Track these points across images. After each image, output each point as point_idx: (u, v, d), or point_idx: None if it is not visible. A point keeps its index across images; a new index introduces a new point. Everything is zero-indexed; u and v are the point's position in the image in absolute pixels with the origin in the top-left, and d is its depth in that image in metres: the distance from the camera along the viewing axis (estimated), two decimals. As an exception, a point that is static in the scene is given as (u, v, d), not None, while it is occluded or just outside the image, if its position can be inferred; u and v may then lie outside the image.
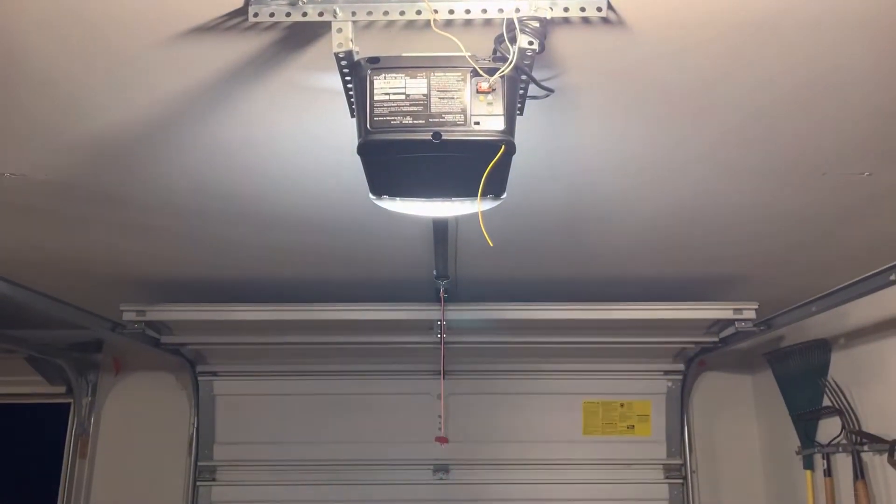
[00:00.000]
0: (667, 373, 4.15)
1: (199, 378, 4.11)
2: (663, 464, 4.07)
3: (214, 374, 4.13)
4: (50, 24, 1.42)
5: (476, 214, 1.52)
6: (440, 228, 2.44)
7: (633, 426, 4.11)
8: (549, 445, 4.07)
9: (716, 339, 3.76)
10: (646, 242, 2.88)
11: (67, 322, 3.17)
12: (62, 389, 4.21)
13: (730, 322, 3.56)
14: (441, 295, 3.52)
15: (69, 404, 4.24)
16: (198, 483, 4.09)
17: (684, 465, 4.12)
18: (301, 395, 4.18)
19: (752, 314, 3.45)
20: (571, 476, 4.03)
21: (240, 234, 2.66)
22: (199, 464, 4.10)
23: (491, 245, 2.01)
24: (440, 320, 3.61)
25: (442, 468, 4.04)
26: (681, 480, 4.04)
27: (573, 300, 3.51)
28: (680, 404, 4.17)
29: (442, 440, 4.01)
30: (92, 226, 2.58)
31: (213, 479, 4.11)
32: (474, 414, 4.10)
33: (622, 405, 4.12)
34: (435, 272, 3.41)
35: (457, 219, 2.46)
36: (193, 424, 4.17)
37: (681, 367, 4.15)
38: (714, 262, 3.16)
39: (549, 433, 4.09)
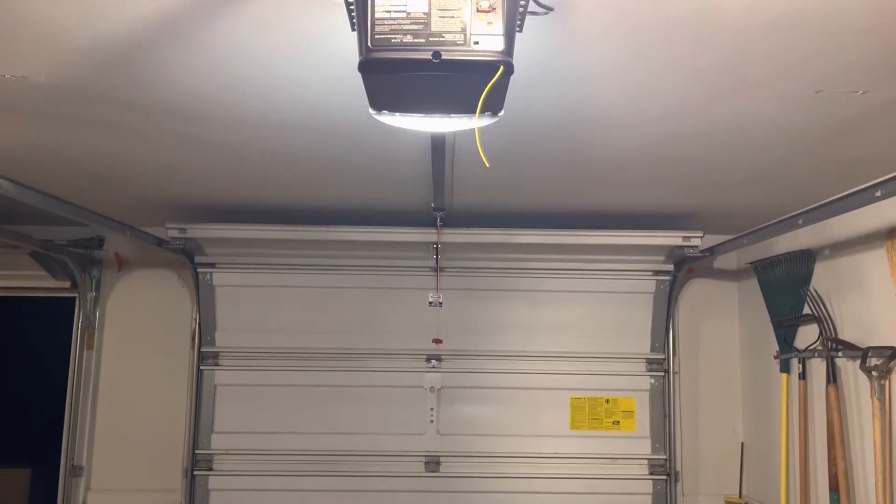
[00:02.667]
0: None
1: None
2: (648, 459, 4.24)
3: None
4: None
5: (471, 154, 1.55)
6: (438, 161, 2.50)
7: (619, 422, 4.28)
8: (537, 440, 4.26)
9: (670, 267, 4.22)
10: (638, 165, 2.92)
11: (68, 219, 3.24)
12: (67, 284, 4.33)
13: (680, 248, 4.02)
14: (437, 223, 3.88)
15: (74, 298, 4.36)
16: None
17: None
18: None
19: (698, 241, 3.99)
20: (559, 470, 4.22)
21: (240, 139, 2.69)
22: (202, 349, 4.27)
23: (488, 166, 2.05)
24: (436, 243, 4.01)
25: (433, 460, 4.23)
26: (664, 477, 4.23)
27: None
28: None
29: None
30: (91, 128, 2.60)
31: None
32: (467, 409, 4.29)
33: (608, 401, 4.29)
34: (433, 204, 3.63)
35: (454, 152, 2.52)
36: (196, 319, 4.31)
37: (667, 274, 4.28)
38: (701, 185, 3.22)
39: (538, 428, 4.27)
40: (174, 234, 3.92)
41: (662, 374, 4.29)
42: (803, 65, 1.97)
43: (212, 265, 4.24)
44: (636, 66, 2.00)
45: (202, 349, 4.24)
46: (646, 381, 4.29)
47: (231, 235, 4.03)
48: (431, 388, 4.26)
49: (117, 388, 4.38)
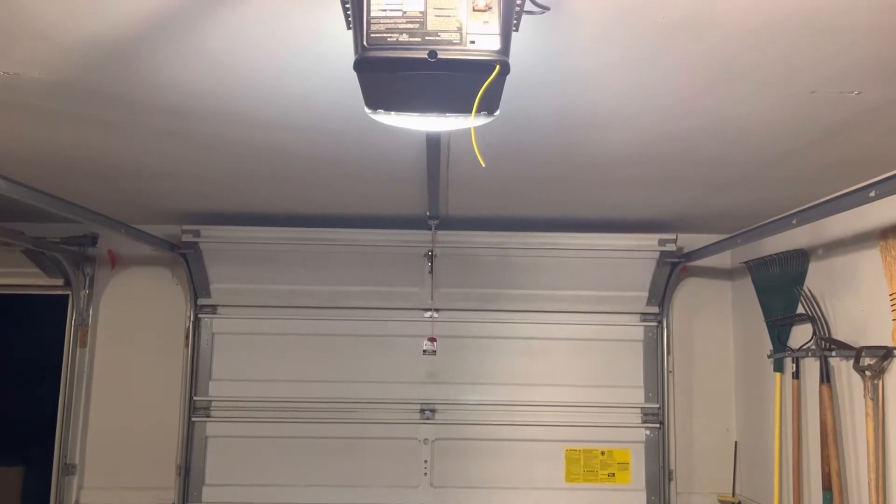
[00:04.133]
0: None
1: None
2: None
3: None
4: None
5: (466, 153, 1.54)
6: (433, 161, 2.50)
7: (614, 474, 4.30)
8: (532, 492, 4.28)
9: (656, 309, 4.37)
10: (633, 163, 2.92)
11: (62, 216, 3.23)
12: (60, 282, 4.31)
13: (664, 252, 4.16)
14: (432, 229, 4.00)
15: (68, 296, 4.34)
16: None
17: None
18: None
19: (673, 246, 4.14)
20: None
21: (233, 136, 2.68)
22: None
23: (483, 165, 2.05)
24: (431, 251, 4.13)
25: None
26: None
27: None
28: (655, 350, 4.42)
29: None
30: (84, 124, 2.58)
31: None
32: (462, 461, 4.31)
33: (603, 453, 4.31)
34: (428, 212, 3.71)
35: (448, 151, 2.52)
36: (190, 318, 4.31)
37: (654, 319, 4.37)
38: (696, 183, 3.22)
39: (533, 480, 4.29)
40: (188, 238, 4.09)
41: (657, 425, 4.31)
42: (799, 65, 1.97)
43: (213, 309, 4.29)
44: (632, 65, 1.99)
45: (195, 398, 4.27)
46: (641, 433, 4.32)
47: (235, 235, 4.13)
48: (425, 440, 4.28)
49: (110, 386, 4.37)
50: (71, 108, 2.41)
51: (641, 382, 4.34)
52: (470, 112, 1.50)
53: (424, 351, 4.18)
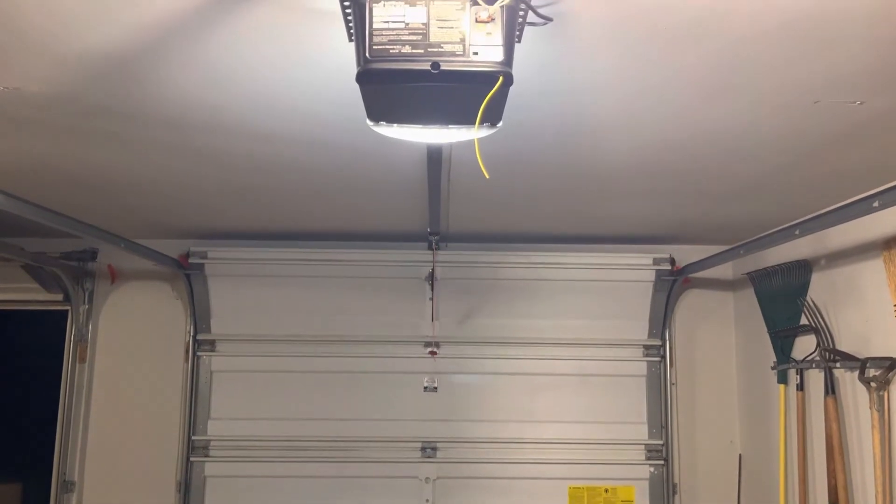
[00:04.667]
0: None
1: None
2: None
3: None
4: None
5: (467, 165, 1.54)
6: (434, 173, 2.51)
7: None
8: None
9: (658, 342, 4.35)
10: (635, 174, 2.92)
11: (61, 231, 3.22)
12: (59, 297, 4.29)
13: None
14: (433, 246, 4.06)
15: (67, 311, 4.32)
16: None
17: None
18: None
19: (667, 265, 4.21)
20: None
21: (235, 149, 2.67)
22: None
23: (487, 177, 2.04)
24: (432, 272, 4.14)
25: None
26: None
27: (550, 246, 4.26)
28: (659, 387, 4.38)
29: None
30: (84, 138, 2.57)
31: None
32: (464, 500, 4.26)
33: (606, 490, 4.27)
34: (429, 228, 3.74)
35: (450, 163, 2.52)
36: (190, 332, 4.29)
37: (657, 354, 4.36)
38: (698, 194, 3.21)
39: None
40: (196, 260, 4.18)
41: (662, 462, 4.28)
42: (802, 75, 1.97)
43: (212, 346, 4.27)
44: (633, 75, 1.99)
45: (193, 437, 4.24)
46: (645, 470, 4.29)
47: (241, 256, 4.22)
48: (427, 479, 4.23)
49: (110, 402, 4.33)
50: (71, 121, 2.40)
51: (645, 419, 4.30)
52: (473, 123, 1.49)
53: (425, 388, 4.17)
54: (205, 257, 4.18)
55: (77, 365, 4.29)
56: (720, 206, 3.43)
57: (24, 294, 4.28)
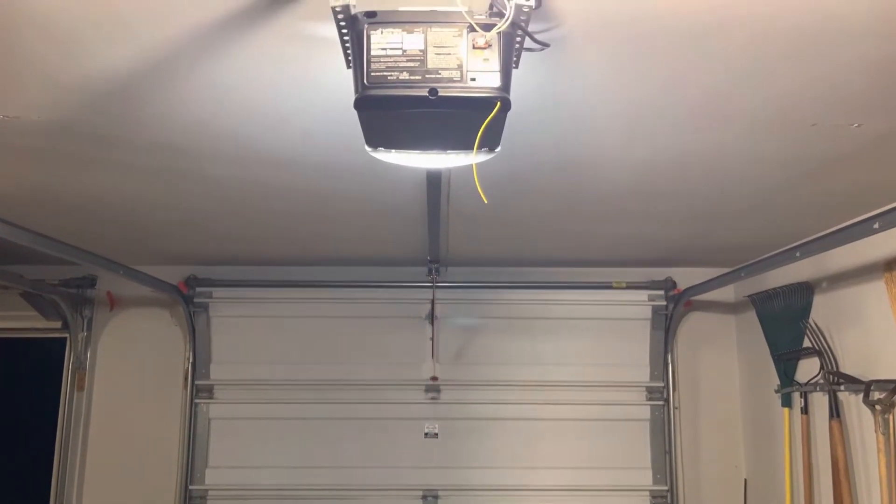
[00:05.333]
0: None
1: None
2: None
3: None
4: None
5: (466, 188, 1.53)
6: (433, 197, 2.54)
7: None
8: None
9: (661, 383, 4.34)
10: (633, 197, 2.92)
11: (60, 259, 3.22)
12: (58, 324, 4.28)
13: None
14: (434, 278, 4.10)
15: (65, 339, 4.30)
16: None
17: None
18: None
19: (662, 300, 4.29)
20: None
21: (234, 174, 2.67)
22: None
23: (486, 201, 2.04)
24: (432, 304, 4.14)
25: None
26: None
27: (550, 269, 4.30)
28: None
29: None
30: (84, 166, 2.57)
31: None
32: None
33: None
34: (428, 256, 3.78)
35: (449, 186, 2.53)
36: (189, 359, 4.27)
37: (660, 397, 4.32)
38: (697, 217, 3.21)
39: None
40: (201, 300, 4.26)
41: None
42: (798, 98, 1.97)
43: (209, 393, 4.25)
44: (632, 97, 1.99)
45: (190, 486, 4.19)
46: None
47: (244, 295, 4.29)
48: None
49: (108, 430, 4.30)
50: (70, 148, 2.40)
51: (649, 463, 4.26)
52: (471, 149, 1.49)
53: (426, 433, 4.14)
54: (210, 297, 4.23)
55: (75, 393, 4.26)
56: (720, 228, 3.42)
57: (22, 322, 4.26)
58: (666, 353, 4.33)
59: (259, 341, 4.29)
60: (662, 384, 4.31)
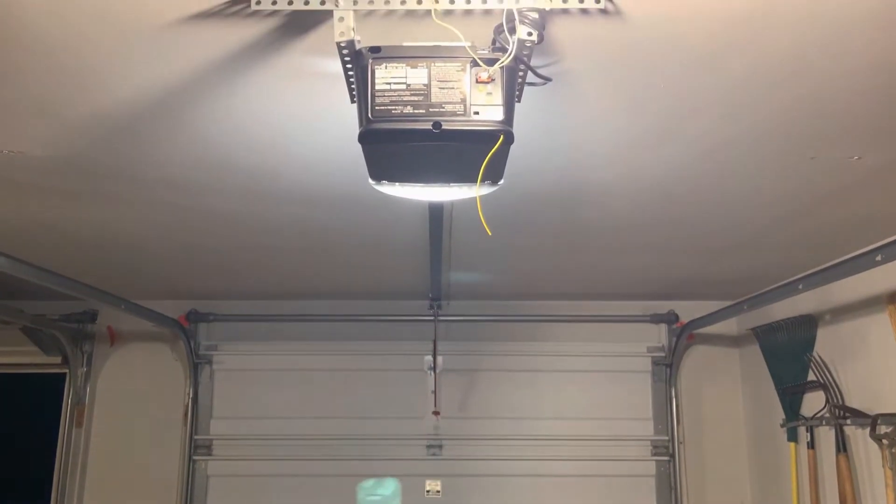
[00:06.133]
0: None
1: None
2: None
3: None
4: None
5: (469, 221, 1.54)
6: (435, 230, 2.58)
7: None
8: None
9: (665, 438, 4.30)
10: (634, 229, 2.92)
11: (61, 293, 3.21)
12: (58, 359, 4.26)
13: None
14: (435, 312, 4.12)
15: (65, 374, 4.27)
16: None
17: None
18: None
19: (661, 353, 4.33)
20: None
21: (239, 209, 2.68)
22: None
23: (490, 234, 2.05)
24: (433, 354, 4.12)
25: None
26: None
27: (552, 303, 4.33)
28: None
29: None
30: (88, 201, 2.59)
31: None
32: None
33: None
34: (430, 294, 3.83)
35: (451, 219, 2.55)
36: (189, 394, 4.24)
37: (665, 453, 4.26)
38: (698, 249, 3.21)
39: None
40: (206, 352, 4.30)
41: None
42: (797, 131, 1.98)
43: (208, 449, 4.22)
44: (633, 130, 2.01)
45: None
46: None
47: (249, 349, 4.32)
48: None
49: (106, 467, 4.25)
50: (74, 184, 2.42)
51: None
52: (474, 182, 1.50)
53: (427, 491, 4.12)
54: (215, 349, 4.25)
55: (74, 429, 4.22)
56: (722, 260, 3.42)
57: (22, 357, 4.25)
58: (668, 402, 4.29)
59: (260, 395, 4.26)
60: (667, 438, 4.26)
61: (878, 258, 2.34)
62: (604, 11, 1.41)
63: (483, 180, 1.49)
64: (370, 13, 1.42)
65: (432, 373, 4.21)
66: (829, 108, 1.84)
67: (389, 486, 3.00)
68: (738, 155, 2.15)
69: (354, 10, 1.35)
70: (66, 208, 2.67)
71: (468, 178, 1.51)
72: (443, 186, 1.60)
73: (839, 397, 3.24)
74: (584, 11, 1.41)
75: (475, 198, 1.63)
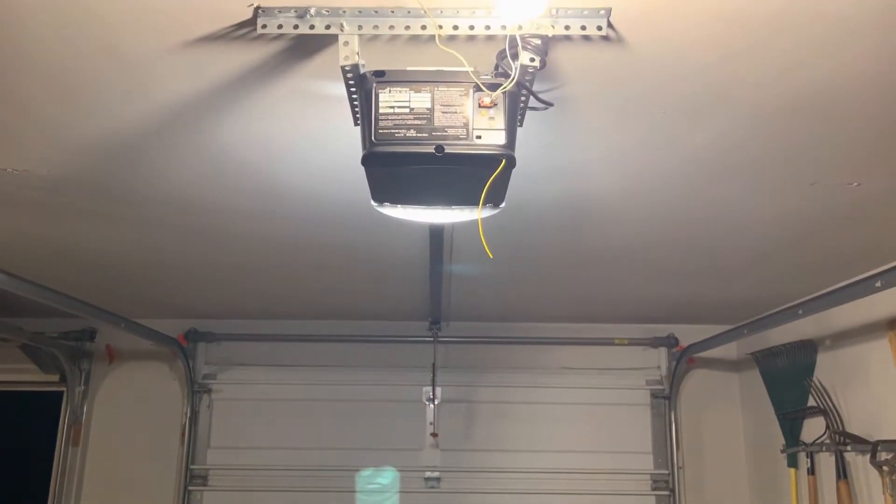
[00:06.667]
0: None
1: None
2: None
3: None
4: (66, 20, 1.43)
5: (470, 243, 1.55)
6: (436, 264, 2.59)
7: None
8: None
9: (665, 472, 4.24)
10: (634, 253, 2.93)
11: (59, 311, 3.21)
12: (56, 377, 4.24)
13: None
14: (435, 333, 4.13)
15: (62, 392, 4.25)
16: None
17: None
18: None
19: (660, 384, 4.32)
20: None
21: (236, 228, 2.69)
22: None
23: (491, 256, 2.06)
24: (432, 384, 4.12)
25: None
26: None
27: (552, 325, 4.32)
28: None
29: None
30: (90, 220, 2.59)
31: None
32: None
33: None
34: (430, 318, 3.88)
35: (451, 256, 2.60)
36: (186, 415, 4.22)
37: (665, 487, 4.22)
38: (698, 273, 3.22)
39: None
40: (206, 381, 4.28)
41: None
42: (799, 156, 2.00)
43: (203, 480, 4.19)
44: (633, 156, 2.02)
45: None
46: None
47: (247, 377, 4.29)
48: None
49: (102, 487, 4.21)
50: (75, 202, 2.43)
51: None
52: (476, 204, 1.51)
53: None
54: (214, 378, 4.24)
55: (70, 448, 4.19)
56: (722, 284, 3.42)
57: (20, 375, 4.23)
58: (667, 427, 4.26)
59: (258, 425, 4.23)
60: (667, 472, 4.22)
61: (878, 284, 2.34)
62: (606, 38, 1.43)
63: (485, 203, 1.50)
64: (374, 38, 1.44)
65: (431, 404, 4.19)
66: (830, 135, 1.86)
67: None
68: (740, 180, 2.16)
69: (359, 35, 1.37)
70: (68, 226, 2.68)
71: (470, 200, 1.52)
72: (445, 209, 1.61)
73: (839, 423, 3.23)
74: (587, 38, 1.43)
75: (476, 220, 1.64)
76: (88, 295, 3.36)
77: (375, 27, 1.38)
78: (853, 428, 3.13)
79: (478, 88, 1.37)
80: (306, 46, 1.49)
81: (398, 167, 1.39)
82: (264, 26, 1.39)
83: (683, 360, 4.22)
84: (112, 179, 2.23)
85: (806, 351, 3.48)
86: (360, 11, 1.36)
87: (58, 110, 1.79)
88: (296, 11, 1.37)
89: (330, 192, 2.29)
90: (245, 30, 1.43)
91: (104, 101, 1.74)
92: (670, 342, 4.35)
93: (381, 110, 1.35)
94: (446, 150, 1.34)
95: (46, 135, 1.92)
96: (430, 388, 4.18)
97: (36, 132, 1.90)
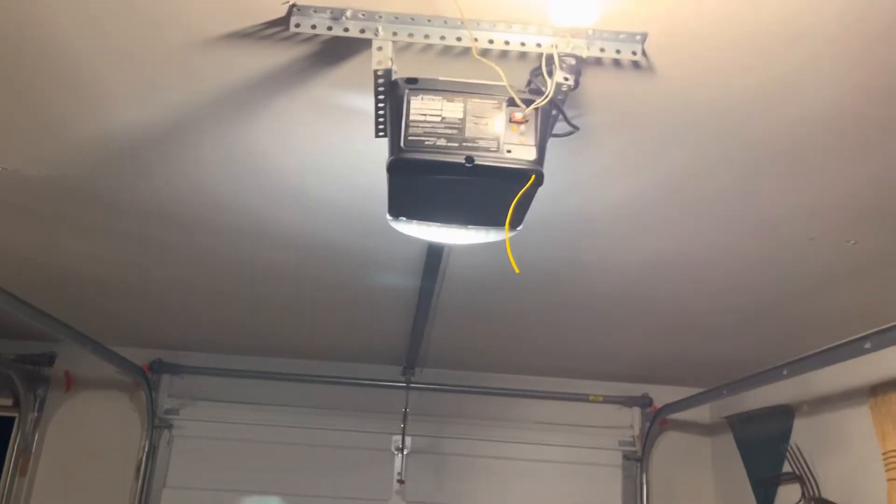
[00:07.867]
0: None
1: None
2: None
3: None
4: (88, 13, 1.39)
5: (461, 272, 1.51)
6: (424, 301, 2.61)
7: None
8: None
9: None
10: (615, 308, 2.93)
11: (18, 332, 3.04)
12: (9, 402, 4.03)
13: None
14: (408, 378, 4.08)
15: (14, 418, 4.04)
16: None
17: None
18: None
19: (632, 447, 4.25)
20: None
21: (220, 251, 2.62)
22: None
23: (518, 272, 2.04)
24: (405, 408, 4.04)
25: None
26: None
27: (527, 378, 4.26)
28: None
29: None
30: (68, 228, 2.49)
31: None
32: None
33: None
34: (404, 363, 3.84)
35: (439, 294, 2.58)
36: (144, 448, 4.03)
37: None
38: (683, 328, 3.22)
39: None
40: (168, 416, 4.11)
41: None
42: (797, 212, 2.02)
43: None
44: (638, 195, 2.03)
45: None
46: None
47: (212, 416, 4.13)
48: None
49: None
50: (58, 208, 2.34)
51: None
52: (495, 224, 1.49)
53: None
54: (176, 413, 4.08)
55: (17, 478, 3.95)
56: (706, 343, 3.41)
57: (-30, 397, 4.01)
58: (638, 489, 4.19)
59: (219, 467, 4.06)
60: None
61: (867, 346, 2.35)
62: (636, 65, 1.44)
63: (510, 220, 1.47)
64: (406, 48, 1.43)
65: (400, 454, 4.07)
66: (830, 191, 1.89)
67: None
68: (741, 230, 2.18)
69: (393, 41, 1.36)
70: (45, 233, 2.57)
71: (490, 219, 1.49)
72: (460, 228, 1.58)
73: (815, 490, 3.20)
74: (617, 63, 1.44)
75: (482, 244, 1.62)
76: (51, 311, 3.22)
77: (410, 35, 1.36)
78: (829, 494, 3.11)
79: (511, 103, 1.36)
80: (334, 51, 1.46)
81: (424, 176, 1.36)
82: (297, 25, 1.36)
83: (657, 421, 4.19)
84: (101, 186, 2.15)
85: (782, 416, 3.47)
86: (396, 17, 1.35)
87: (67, 109, 1.73)
88: (331, 12, 1.35)
89: (328, 217, 2.24)
90: (277, 28, 1.41)
91: (116, 99, 1.69)
92: (644, 402, 4.32)
93: (411, 117, 1.33)
94: (476, 162, 1.32)
95: (51, 131, 1.85)
96: (399, 438, 4.06)
97: (39, 127, 1.83)
